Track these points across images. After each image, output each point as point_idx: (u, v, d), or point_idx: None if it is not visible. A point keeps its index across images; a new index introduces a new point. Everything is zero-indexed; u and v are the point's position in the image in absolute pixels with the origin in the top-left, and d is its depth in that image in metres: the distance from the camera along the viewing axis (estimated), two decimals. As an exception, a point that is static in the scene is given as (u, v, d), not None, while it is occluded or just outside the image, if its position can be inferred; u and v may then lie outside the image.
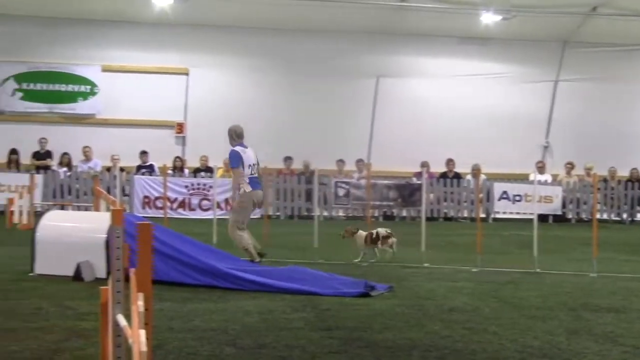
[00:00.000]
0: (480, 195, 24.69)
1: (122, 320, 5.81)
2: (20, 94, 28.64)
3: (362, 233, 16.17)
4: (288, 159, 29.58)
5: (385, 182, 28.20)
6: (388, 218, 28.39)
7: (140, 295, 4.76)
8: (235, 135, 15.67)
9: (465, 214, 29.58)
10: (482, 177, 21.30)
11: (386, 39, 29.63)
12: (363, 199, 27.10)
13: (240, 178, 15.19)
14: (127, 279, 5.97)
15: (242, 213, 15.44)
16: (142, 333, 4.42)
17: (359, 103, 30.31)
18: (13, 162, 27.86)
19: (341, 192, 28.39)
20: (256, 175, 15.76)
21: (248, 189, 15.23)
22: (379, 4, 27.97)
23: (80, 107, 29.20)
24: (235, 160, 15.32)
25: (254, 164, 15.61)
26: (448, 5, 28.06)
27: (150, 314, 4.82)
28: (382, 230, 16.15)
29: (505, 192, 28.68)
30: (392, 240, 16.02)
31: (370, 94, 30.34)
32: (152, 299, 4.95)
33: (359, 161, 29.55)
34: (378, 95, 30.32)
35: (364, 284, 12.29)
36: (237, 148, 15.42)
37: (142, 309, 4.65)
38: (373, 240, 16.00)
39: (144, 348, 4.30)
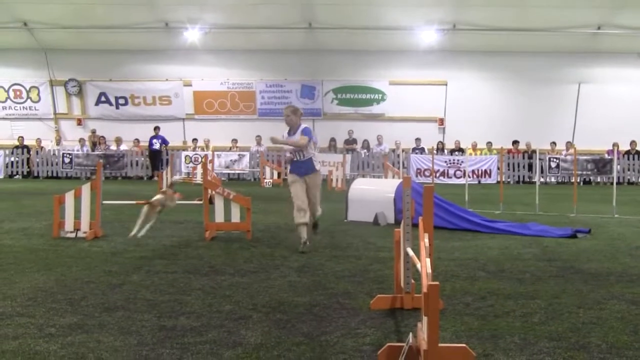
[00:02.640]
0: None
1: (410, 251, 5.82)
2: (336, 101, 29.28)
3: None
4: (515, 142, 28.83)
5: (585, 157, 27.16)
6: (587, 183, 27.35)
7: (426, 235, 4.74)
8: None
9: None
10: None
11: (586, 56, 28.46)
12: (569, 170, 26.16)
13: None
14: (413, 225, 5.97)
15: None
16: (428, 260, 4.40)
17: (567, 101, 29.29)
18: (332, 146, 28.61)
19: (553, 165, 27.65)
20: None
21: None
22: (580, 31, 27.07)
23: (375, 108, 29.51)
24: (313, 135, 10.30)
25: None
26: (632, 30, 26.77)
27: (432, 248, 4.75)
28: None
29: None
30: None
31: (574, 95, 29.23)
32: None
33: (567, 142, 28.54)
34: (580, 96, 29.18)
35: (572, 229, 11.80)
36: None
37: (427, 244, 4.63)
38: None
39: (429, 270, 4.27)
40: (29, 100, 29.65)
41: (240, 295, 6.98)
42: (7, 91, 29.60)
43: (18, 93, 29.68)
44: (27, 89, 29.63)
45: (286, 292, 7.19)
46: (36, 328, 5.72)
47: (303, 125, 10.16)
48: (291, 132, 10.10)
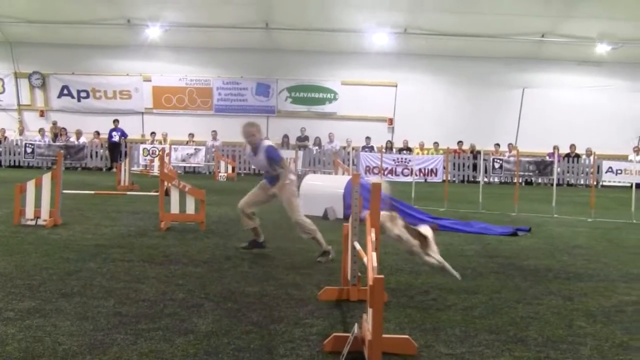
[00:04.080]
0: (592, 169, 23.80)
1: (357, 245, 5.83)
2: (290, 99, 29.23)
3: None
4: (460, 142, 29.09)
5: (527, 159, 27.56)
6: (528, 184, 27.74)
7: (372, 230, 4.74)
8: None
9: (582, 182, 28.57)
10: (594, 156, 20.44)
11: (530, 62, 28.91)
12: (512, 171, 26.51)
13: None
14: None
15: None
16: (374, 254, 4.40)
17: (511, 105, 29.75)
18: (284, 143, 28.54)
19: (497, 165, 27.97)
20: None
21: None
22: (526, 39, 27.45)
23: (327, 107, 29.54)
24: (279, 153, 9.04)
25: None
26: (574, 39, 27.26)
27: (378, 242, 4.76)
28: None
29: (610, 167, 27.61)
30: None
31: (518, 99, 29.69)
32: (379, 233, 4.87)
33: (510, 144, 28.93)
34: (524, 100, 29.65)
35: (513, 228, 11.97)
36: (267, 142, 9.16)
37: (374, 239, 4.63)
38: None
39: (375, 264, 4.28)
40: (-6, 91, 29.12)
41: (193, 284, 6.92)
42: (-29, 82, 29.01)
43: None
44: (-8, 81, 29.10)
45: (237, 282, 7.15)
46: (-6, 312, 5.63)
47: (265, 144, 8.93)
48: (256, 151, 8.95)
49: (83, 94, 29.17)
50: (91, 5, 24.53)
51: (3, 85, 29.13)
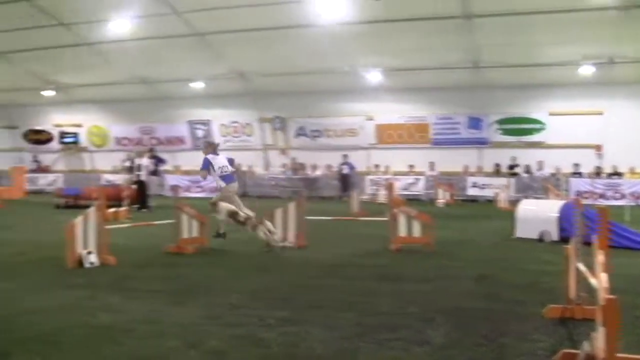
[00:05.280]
0: None
1: (582, 266, 5.52)
2: (500, 131, 28.39)
3: None
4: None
5: None
6: None
7: (601, 252, 4.47)
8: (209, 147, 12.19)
9: None
10: None
11: None
12: None
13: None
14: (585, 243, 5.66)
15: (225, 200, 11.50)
16: (604, 275, 4.15)
17: None
18: (496, 171, 27.76)
19: None
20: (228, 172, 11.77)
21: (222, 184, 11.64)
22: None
23: (535, 137, 28.30)
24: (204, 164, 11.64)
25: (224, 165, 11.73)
26: None
27: (608, 265, 4.45)
28: None
29: None
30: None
31: None
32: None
33: None
34: None
35: None
36: (209, 156, 11.69)
37: (602, 260, 4.37)
38: None
39: (606, 285, 4.03)
40: (244, 134, 31.34)
41: (424, 300, 6.92)
42: (228, 128, 31.49)
43: (236, 129, 31.46)
44: (243, 126, 31.34)
45: (464, 298, 7.05)
46: (258, 318, 5.99)
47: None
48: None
49: (316, 133, 30.46)
50: (322, 57, 25.59)
51: (251, 129, 31.24)
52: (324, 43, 23.63)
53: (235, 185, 12.05)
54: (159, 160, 21.95)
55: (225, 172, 11.73)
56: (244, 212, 11.48)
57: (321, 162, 29.45)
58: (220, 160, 11.79)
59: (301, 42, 23.75)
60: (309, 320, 5.99)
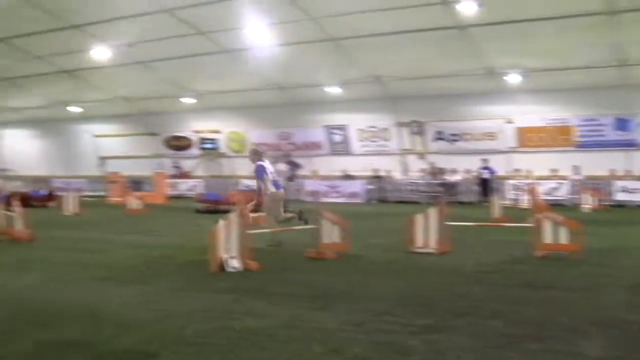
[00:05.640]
0: None
1: None
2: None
3: None
4: None
5: None
6: None
7: None
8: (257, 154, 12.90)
9: None
10: None
11: None
12: None
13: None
14: None
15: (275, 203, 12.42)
16: None
17: None
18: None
19: None
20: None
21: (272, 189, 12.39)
22: None
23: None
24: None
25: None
26: None
27: None
28: None
29: None
30: None
31: None
32: None
33: None
34: None
35: None
36: (261, 163, 12.52)
37: None
38: None
39: None
40: (381, 139, 31.28)
41: (573, 310, 6.51)
42: (366, 132, 31.55)
43: (374, 134, 31.47)
44: (380, 130, 31.25)
45: (620, 309, 6.53)
46: (401, 325, 5.89)
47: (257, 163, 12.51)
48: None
49: (454, 137, 29.86)
50: (458, 60, 25.06)
51: (389, 134, 31.13)
52: (459, 45, 23.18)
53: (282, 191, 12.80)
54: (294, 165, 22.27)
55: (275, 177, 12.58)
56: (285, 215, 12.68)
57: (460, 167, 28.81)
58: (270, 167, 12.67)
59: (436, 45, 23.41)
60: (454, 328, 5.81)
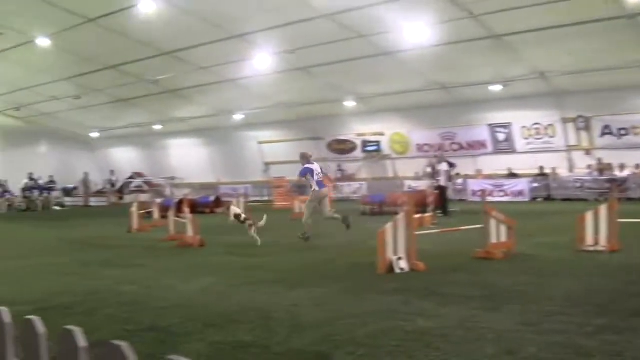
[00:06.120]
0: None
1: None
2: None
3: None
4: None
5: None
6: None
7: None
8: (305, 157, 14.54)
9: None
10: None
11: None
12: None
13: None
14: None
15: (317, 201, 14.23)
16: None
17: None
18: None
19: None
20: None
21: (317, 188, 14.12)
22: None
23: None
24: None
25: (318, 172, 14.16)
26: None
27: None
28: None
29: None
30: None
31: None
32: None
33: None
34: None
35: None
36: (308, 165, 14.24)
37: None
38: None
39: None
40: (546, 136, 30.04)
41: None
42: (530, 130, 30.43)
43: (538, 131, 30.26)
44: (545, 127, 30.02)
45: None
46: (576, 326, 5.74)
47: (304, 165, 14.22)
48: None
49: (623, 132, 27.99)
50: (627, 50, 23.38)
51: (554, 130, 29.82)
52: (627, 35, 21.73)
53: (326, 190, 14.35)
54: (450, 165, 22.08)
55: (320, 178, 14.03)
56: (329, 214, 14.23)
57: (629, 162, 26.97)
58: (316, 168, 14.06)
59: (603, 36, 22.09)
60: (631, 328, 5.54)
